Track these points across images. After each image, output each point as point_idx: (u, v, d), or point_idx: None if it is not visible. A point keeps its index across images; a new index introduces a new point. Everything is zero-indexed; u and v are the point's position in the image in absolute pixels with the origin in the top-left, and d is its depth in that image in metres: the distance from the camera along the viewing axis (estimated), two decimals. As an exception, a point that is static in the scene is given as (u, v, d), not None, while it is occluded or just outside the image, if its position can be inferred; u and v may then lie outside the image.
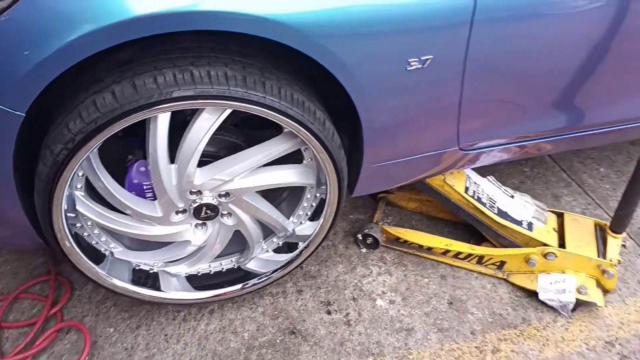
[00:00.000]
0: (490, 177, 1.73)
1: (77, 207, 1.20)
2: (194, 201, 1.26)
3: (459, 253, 1.66)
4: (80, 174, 1.15)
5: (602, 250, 1.57)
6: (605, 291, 1.55)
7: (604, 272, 1.52)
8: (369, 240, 1.74)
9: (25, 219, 1.17)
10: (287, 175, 1.31)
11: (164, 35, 0.96)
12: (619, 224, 1.56)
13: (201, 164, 1.20)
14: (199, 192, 1.25)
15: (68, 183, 1.10)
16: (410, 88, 1.17)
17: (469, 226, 1.72)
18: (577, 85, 1.39)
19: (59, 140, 1.04)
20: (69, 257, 1.25)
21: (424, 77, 1.16)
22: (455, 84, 1.21)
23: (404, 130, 1.28)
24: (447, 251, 1.67)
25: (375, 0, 1.04)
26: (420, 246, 1.70)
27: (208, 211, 1.29)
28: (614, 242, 1.58)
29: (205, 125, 1.13)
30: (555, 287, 1.51)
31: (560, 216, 1.71)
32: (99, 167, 1.16)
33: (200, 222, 1.34)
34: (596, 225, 1.66)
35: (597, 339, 1.49)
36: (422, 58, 1.12)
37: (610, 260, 1.53)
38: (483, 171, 1.74)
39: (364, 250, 1.76)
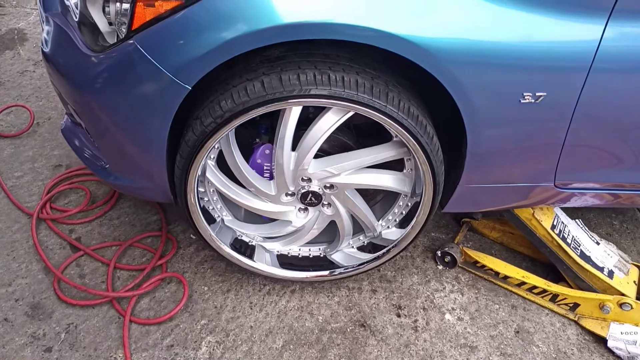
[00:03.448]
0: (578, 221, 1.77)
1: (207, 174, 1.41)
2: (303, 187, 1.43)
3: (534, 287, 1.71)
4: (217, 146, 1.36)
5: (682, 312, 1.57)
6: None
7: (681, 333, 1.52)
8: (447, 259, 1.83)
9: (165, 175, 1.38)
10: (387, 180, 1.45)
11: (309, 40, 1.13)
12: None
13: (315, 156, 1.37)
14: (309, 180, 1.42)
15: (208, 152, 1.31)
16: (519, 120, 1.27)
17: (547, 265, 1.76)
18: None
19: (210, 114, 1.24)
20: (191, 215, 1.46)
21: (534, 112, 1.25)
22: (562, 124, 1.29)
23: (505, 158, 1.37)
24: (523, 283, 1.73)
25: (501, 36, 1.15)
26: (497, 273, 1.77)
27: (313, 198, 1.45)
28: (697, 305, 1.57)
29: (329, 123, 1.29)
30: (626, 337, 1.53)
31: (643, 271, 1.71)
32: (233, 143, 1.36)
33: (303, 206, 1.50)
34: (680, 285, 1.65)
35: (662, 398, 1.49)
36: (536, 94, 1.22)
37: (690, 323, 1.52)
38: (572, 214, 1.78)
39: (440, 267, 1.85)
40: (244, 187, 1.45)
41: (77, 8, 1.27)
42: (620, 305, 1.58)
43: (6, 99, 2.45)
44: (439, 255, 1.84)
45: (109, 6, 1.19)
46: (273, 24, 1.08)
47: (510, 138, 1.31)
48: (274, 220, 1.58)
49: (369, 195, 1.63)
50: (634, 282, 1.67)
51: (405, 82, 1.33)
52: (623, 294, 1.61)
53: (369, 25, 1.09)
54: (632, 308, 1.57)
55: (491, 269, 1.77)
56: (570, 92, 1.22)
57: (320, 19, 1.09)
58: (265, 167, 1.44)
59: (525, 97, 1.22)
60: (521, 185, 1.47)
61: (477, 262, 1.79)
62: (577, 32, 1.16)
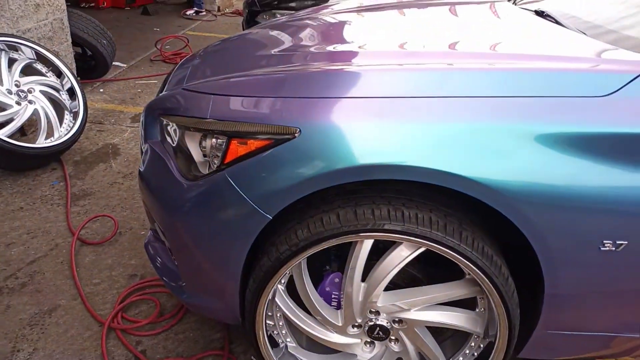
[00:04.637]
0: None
1: (276, 298, 1.43)
2: (371, 320, 1.41)
3: None
4: (288, 272, 1.39)
5: None
6: None
7: None
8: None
9: (237, 298, 1.42)
10: (459, 319, 1.40)
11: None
12: None
13: (386, 289, 1.36)
14: (377, 313, 1.40)
15: (280, 278, 1.34)
16: (599, 267, 1.23)
17: None
18: None
19: (286, 242, 1.29)
20: (257, 338, 1.46)
21: (615, 260, 1.21)
22: (646, 273, 1.23)
23: (586, 306, 1.31)
24: None
25: (581, 181, 1.16)
26: None
27: (380, 332, 1.42)
28: None
29: (400, 257, 1.30)
30: None
31: None
32: (305, 271, 1.39)
33: (369, 340, 1.47)
34: None
35: None
36: (617, 242, 1.19)
37: None
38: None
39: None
40: (311, 314, 1.45)
41: (176, 139, 1.42)
42: None
43: (95, 208, 2.66)
44: (513, 403, 1.69)
45: (205, 140, 1.33)
46: (350, 165, 1.16)
47: (590, 285, 1.26)
48: (338, 352, 1.55)
49: (438, 330, 1.57)
50: None
51: (479, 221, 1.34)
52: None
53: (435, 167, 1.14)
54: None
55: None
56: (654, 241, 1.18)
57: (391, 161, 1.16)
58: (333, 296, 1.44)
59: (606, 245, 1.19)
60: (604, 334, 1.37)
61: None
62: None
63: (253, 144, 1.22)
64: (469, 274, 1.30)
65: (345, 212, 1.26)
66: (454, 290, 1.35)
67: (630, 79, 1.16)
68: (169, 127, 1.45)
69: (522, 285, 1.40)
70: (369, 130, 1.18)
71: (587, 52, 1.40)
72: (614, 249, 1.19)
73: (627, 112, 1.14)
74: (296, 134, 1.18)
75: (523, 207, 1.17)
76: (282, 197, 1.21)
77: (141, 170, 1.55)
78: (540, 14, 1.79)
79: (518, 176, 1.16)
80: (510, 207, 1.17)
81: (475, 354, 1.49)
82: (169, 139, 1.46)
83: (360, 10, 2.27)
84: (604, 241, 1.19)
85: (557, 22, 1.67)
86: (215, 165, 1.29)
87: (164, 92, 1.63)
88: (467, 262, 1.25)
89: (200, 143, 1.34)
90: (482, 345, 1.47)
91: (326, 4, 2.74)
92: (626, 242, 1.19)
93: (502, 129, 1.16)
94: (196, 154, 1.35)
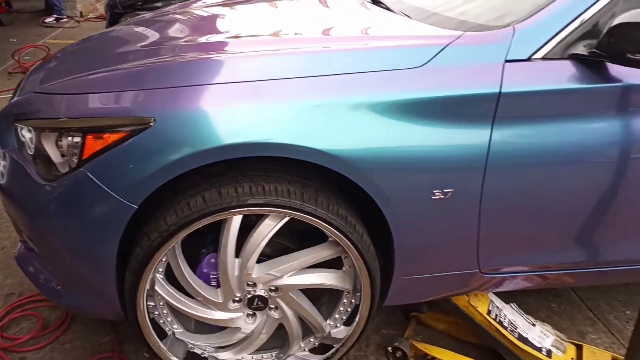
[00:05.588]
0: (513, 305, 1.89)
1: (156, 287, 1.48)
2: (249, 292, 1.51)
3: (482, 374, 1.77)
4: (164, 259, 1.45)
5: (618, 384, 1.65)
6: None
7: (620, 405, 1.59)
8: (398, 354, 1.88)
9: (115, 292, 1.45)
10: (328, 278, 1.56)
11: (245, 157, 1.30)
12: (632, 357, 1.65)
13: (259, 261, 1.47)
14: (254, 285, 1.51)
15: (155, 266, 1.40)
16: (434, 214, 1.44)
17: (494, 351, 1.84)
18: (590, 224, 1.59)
19: (157, 229, 1.35)
20: (142, 330, 1.50)
21: (446, 206, 1.42)
22: (473, 215, 1.46)
23: (429, 250, 1.52)
24: (471, 371, 1.79)
25: (408, 143, 1.35)
26: (446, 364, 1.83)
27: (259, 302, 1.53)
28: (631, 377, 1.66)
29: (267, 229, 1.42)
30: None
31: (579, 348, 1.81)
32: (180, 255, 1.45)
33: (251, 312, 1.57)
34: (613, 359, 1.75)
35: None
36: (445, 190, 1.40)
37: (626, 395, 1.60)
38: (505, 298, 1.90)
39: (392, 363, 1.90)
40: (192, 297, 1.52)
41: (32, 143, 1.41)
42: (562, 382, 1.66)
43: (-42, 233, 2.48)
44: (390, 351, 1.89)
45: (61, 140, 1.34)
46: (203, 148, 1.25)
47: (429, 232, 1.47)
48: (224, 328, 1.63)
49: (315, 296, 1.72)
50: (572, 359, 1.76)
51: (334, 187, 1.49)
52: (563, 372, 1.69)
53: (284, 142, 1.28)
54: (573, 384, 1.65)
55: (441, 360, 1.83)
56: (474, 187, 1.41)
57: (256, 139, 1.27)
58: (211, 276, 1.52)
59: (436, 194, 1.39)
60: (449, 274, 1.59)
61: (427, 354, 1.86)
62: (469, 137, 1.37)
63: (109, 138, 1.26)
64: (331, 236, 1.45)
65: (210, 194, 1.34)
66: (319, 252, 1.49)
67: (439, 51, 1.37)
68: (24, 132, 1.43)
69: (380, 241, 1.58)
70: (223, 114, 1.28)
71: (408, 31, 1.61)
72: (443, 196, 1.40)
73: (437, 79, 1.35)
74: (151, 124, 1.25)
75: (365, 171, 1.34)
76: (145, 186, 1.27)
77: (1, 182, 1.51)
78: (375, 1, 2.01)
79: (358, 144, 1.32)
80: (355, 172, 1.34)
81: (349, 309, 1.65)
82: (26, 144, 1.44)
83: (231, 3, 2.35)
84: (434, 191, 1.39)
85: (387, 8, 1.89)
86: (74, 163, 1.31)
87: (15, 98, 1.59)
88: (325, 224, 1.40)
89: (56, 143, 1.35)
90: (353, 301, 1.63)
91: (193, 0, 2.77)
92: (452, 190, 1.40)
93: (339, 103, 1.32)
94: (54, 155, 1.36)
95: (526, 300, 2.24)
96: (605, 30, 1.33)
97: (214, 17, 2.10)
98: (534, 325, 1.84)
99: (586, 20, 1.41)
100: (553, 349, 1.76)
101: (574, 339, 1.98)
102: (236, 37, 1.74)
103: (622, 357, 1.73)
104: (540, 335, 1.80)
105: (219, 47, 1.59)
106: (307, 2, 2.18)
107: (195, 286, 1.48)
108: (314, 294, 1.70)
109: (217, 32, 1.86)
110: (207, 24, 2.00)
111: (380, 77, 1.36)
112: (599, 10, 1.41)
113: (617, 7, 1.42)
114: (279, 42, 1.59)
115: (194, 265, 1.52)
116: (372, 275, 1.51)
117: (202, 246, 1.57)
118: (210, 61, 1.44)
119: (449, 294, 1.72)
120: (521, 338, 1.76)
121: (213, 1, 2.46)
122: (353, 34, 1.66)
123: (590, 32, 1.42)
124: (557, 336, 1.83)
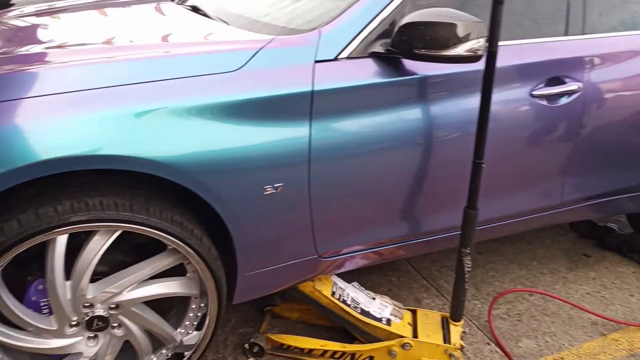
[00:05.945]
0: (355, 283, 2.05)
1: (-24, 326, 1.34)
2: (86, 314, 1.44)
3: (335, 352, 1.90)
4: (-19, 293, 1.32)
5: (447, 338, 1.88)
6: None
7: (450, 355, 1.82)
8: (255, 349, 1.93)
9: None
10: (172, 286, 1.54)
11: (65, 173, 1.24)
12: (455, 312, 1.90)
13: (93, 280, 1.41)
14: (91, 305, 1.44)
15: (-30, 301, 1.27)
16: (268, 207, 1.51)
17: (345, 330, 1.98)
18: (410, 200, 1.80)
19: (-34, 262, 1.23)
20: (-38, 375, 1.35)
21: (278, 199, 1.50)
22: (304, 205, 1.56)
23: (268, 244, 1.59)
24: (325, 352, 1.90)
25: (234, 144, 1.40)
26: (302, 350, 1.92)
27: (99, 322, 1.46)
28: (456, 330, 1.91)
29: (98, 245, 1.37)
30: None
31: (414, 312, 2.03)
32: (1, 286, 1.34)
33: (92, 334, 1.50)
34: (442, 317, 1.99)
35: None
36: (275, 185, 1.48)
37: (454, 345, 1.84)
38: (351, 278, 2.06)
39: (251, 359, 1.94)
40: (22, 329, 1.41)
41: None
42: (402, 346, 1.84)
43: None
44: (247, 347, 1.94)
45: None
46: (28, 162, 1.17)
47: (266, 225, 1.54)
48: (64, 355, 1.54)
49: (163, 308, 1.69)
50: (409, 323, 1.97)
51: (166, 195, 1.48)
52: (402, 336, 1.88)
53: (121, 153, 1.25)
54: (411, 346, 1.84)
55: (296, 347, 1.92)
56: (301, 179, 1.51)
57: (72, 153, 1.21)
58: (42, 303, 1.42)
59: (267, 190, 1.46)
60: (290, 263, 1.69)
61: (282, 344, 1.93)
62: (291, 134, 1.46)
63: None
64: (169, 244, 1.44)
65: (27, 216, 1.26)
66: (158, 262, 1.48)
67: (253, 54, 1.44)
68: None
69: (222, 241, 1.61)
70: (37, 129, 1.20)
71: (225, 36, 1.67)
72: (274, 191, 1.48)
73: (253, 82, 1.42)
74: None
75: (194, 175, 1.36)
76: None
77: None
78: (195, 9, 2.03)
79: (184, 149, 1.34)
80: (185, 177, 1.35)
81: (199, 314, 1.66)
82: None
83: (55, 11, 2.18)
84: (265, 187, 1.46)
85: (206, 16, 1.92)
86: None
87: None
88: (161, 233, 1.39)
89: None
90: (202, 305, 1.64)
91: (9, 9, 2.52)
92: (282, 184, 1.49)
93: (160, 109, 1.32)
94: None
95: (370, 278, 2.45)
96: (396, 29, 1.51)
97: (35, 27, 1.94)
98: (374, 299, 2.01)
99: (383, 21, 1.59)
100: (392, 317, 1.95)
101: (411, 306, 2.21)
102: (60, 46, 1.64)
103: (448, 314, 1.98)
104: (380, 307, 1.98)
105: (38, 58, 1.49)
106: (133, 11, 2.13)
107: (23, 317, 1.37)
108: (164, 304, 1.67)
109: (37, 42, 1.73)
110: (28, 35, 1.84)
111: (200, 81, 1.38)
112: (392, 11, 1.60)
113: (406, 8, 1.62)
114: (97, 52, 1.54)
115: (20, 295, 1.41)
116: (216, 277, 1.53)
117: (28, 273, 1.46)
118: (28, 73, 1.34)
119: (295, 282, 1.82)
120: (364, 312, 1.92)
121: (32, 11, 2.28)
122: (173, 40, 1.66)
123: (387, 31, 1.61)
124: (395, 305, 2.02)
